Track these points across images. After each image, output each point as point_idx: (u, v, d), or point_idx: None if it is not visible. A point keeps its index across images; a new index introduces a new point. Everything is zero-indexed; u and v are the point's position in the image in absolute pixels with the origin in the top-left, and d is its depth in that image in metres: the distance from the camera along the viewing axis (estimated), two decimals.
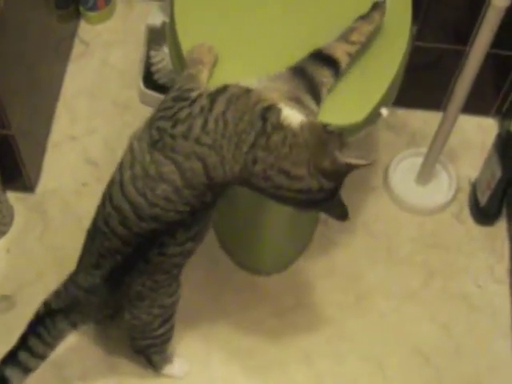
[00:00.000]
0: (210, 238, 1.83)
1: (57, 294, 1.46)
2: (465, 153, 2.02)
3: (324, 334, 1.75)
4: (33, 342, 1.46)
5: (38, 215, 1.88)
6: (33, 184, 1.91)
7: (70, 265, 1.78)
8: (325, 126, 1.20)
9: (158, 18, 1.96)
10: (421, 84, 1.97)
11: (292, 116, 1.20)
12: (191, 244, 1.34)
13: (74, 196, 1.91)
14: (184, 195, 1.24)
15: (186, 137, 1.21)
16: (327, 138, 1.19)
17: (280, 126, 1.19)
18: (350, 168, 1.19)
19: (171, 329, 1.56)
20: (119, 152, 1.94)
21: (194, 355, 1.72)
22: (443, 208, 1.93)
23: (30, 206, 1.89)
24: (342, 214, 1.32)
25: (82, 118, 2.02)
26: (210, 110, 1.21)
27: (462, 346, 1.75)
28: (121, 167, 1.30)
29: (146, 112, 2.02)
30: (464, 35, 1.85)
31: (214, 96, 1.22)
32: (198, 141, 1.20)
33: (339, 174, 1.21)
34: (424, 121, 2.05)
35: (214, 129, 1.20)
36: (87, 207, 1.85)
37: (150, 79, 2.01)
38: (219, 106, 1.20)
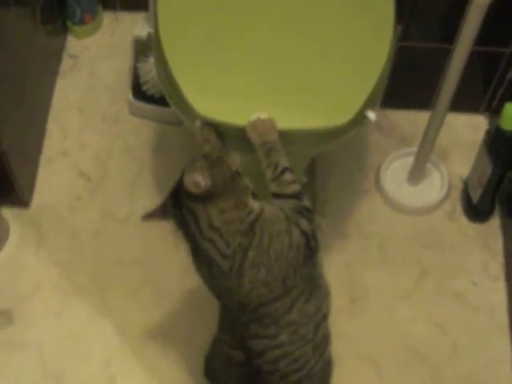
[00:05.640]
0: None
1: None
2: (456, 151, 2.02)
3: None
4: None
5: (32, 230, 1.88)
6: (27, 199, 1.91)
7: (66, 279, 1.81)
8: None
9: (143, 30, 1.97)
10: (409, 84, 1.97)
11: None
12: None
13: (67, 210, 1.91)
14: None
15: None
16: None
17: None
18: None
19: None
20: (110, 165, 1.99)
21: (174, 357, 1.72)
22: (436, 207, 1.93)
23: (24, 221, 1.89)
24: None
25: (73, 133, 2.03)
26: None
27: (458, 345, 1.75)
28: None
29: (136, 124, 2.06)
30: (450, 33, 1.85)
31: None
32: None
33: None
34: (413, 121, 2.05)
35: None
36: (81, 221, 1.90)
37: (139, 91, 2.02)
38: None
